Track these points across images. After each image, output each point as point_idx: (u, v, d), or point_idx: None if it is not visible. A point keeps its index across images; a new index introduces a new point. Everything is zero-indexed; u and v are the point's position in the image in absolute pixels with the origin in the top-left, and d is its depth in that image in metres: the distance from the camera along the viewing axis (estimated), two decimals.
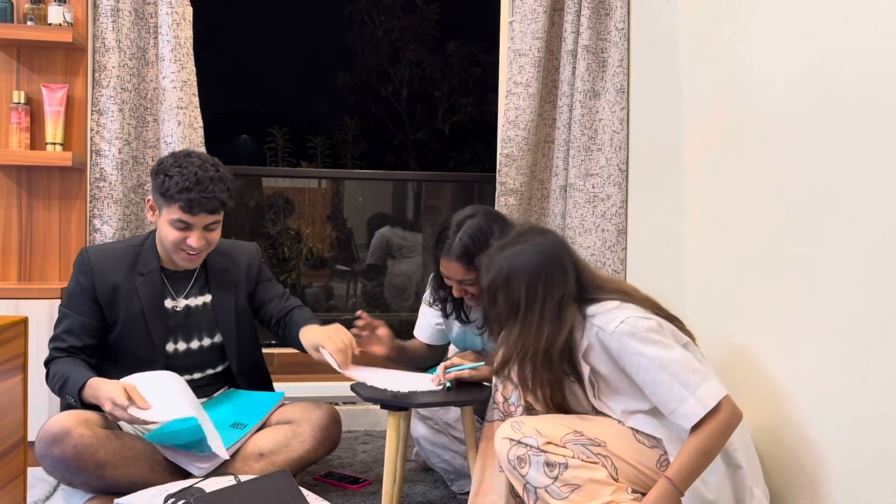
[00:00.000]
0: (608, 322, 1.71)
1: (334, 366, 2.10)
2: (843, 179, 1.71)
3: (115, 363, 2.17)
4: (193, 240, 2.11)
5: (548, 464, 1.65)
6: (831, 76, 1.76)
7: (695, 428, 1.63)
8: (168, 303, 2.22)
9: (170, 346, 2.22)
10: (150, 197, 2.18)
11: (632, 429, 1.75)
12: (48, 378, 2.12)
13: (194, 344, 2.26)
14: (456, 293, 2.16)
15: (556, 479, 1.64)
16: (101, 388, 1.98)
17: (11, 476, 1.52)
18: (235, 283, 2.32)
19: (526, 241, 1.79)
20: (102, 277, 2.15)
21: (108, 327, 2.17)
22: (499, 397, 1.90)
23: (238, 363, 2.31)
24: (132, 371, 2.13)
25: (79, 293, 2.16)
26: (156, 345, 2.18)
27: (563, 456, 1.66)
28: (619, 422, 1.78)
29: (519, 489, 1.69)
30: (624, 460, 1.71)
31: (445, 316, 2.31)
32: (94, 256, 2.17)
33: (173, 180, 2.08)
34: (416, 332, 2.43)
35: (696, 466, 1.62)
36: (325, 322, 2.29)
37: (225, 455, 2.05)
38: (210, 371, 2.31)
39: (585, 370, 1.78)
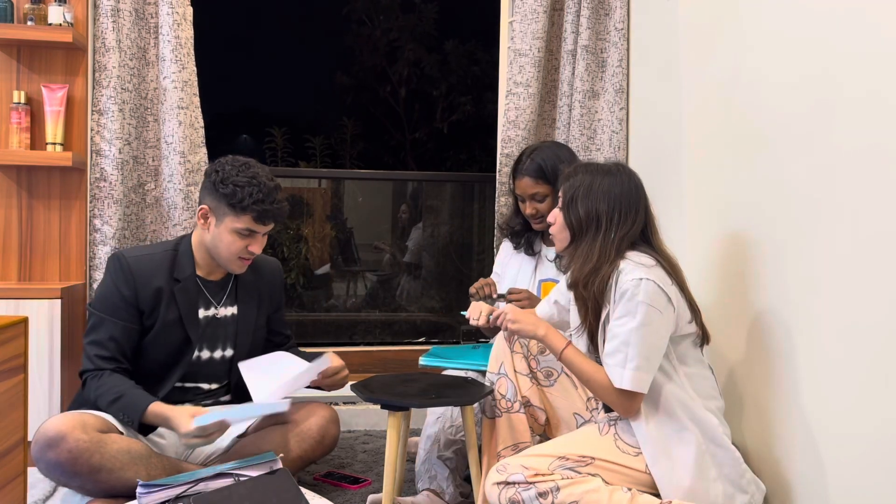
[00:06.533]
0: (631, 271, 1.74)
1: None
2: (843, 179, 1.71)
3: (135, 369, 2.12)
4: (256, 247, 2.13)
5: (540, 494, 1.66)
6: (831, 76, 1.77)
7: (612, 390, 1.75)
8: (201, 311, 2.19)
9: (194, 354, 2.18)
10: (205, 206, 2.12)
11: (613, 436, 1.78)
12: (92, 387, 2.04)
13: (217, 353, 2.23)
14: (528, 210, 2.34)
15: None
16: (172, 419, 1.97)
17: (11, 476, 1.52)
18: (260, 298, 2.29)
19: (616, 173, 1.85)
20: (145, 283, 2.10)
21: (145, 332, 2.13)
22: (496, 394, 1.93)
23: (239, 378, 2.25)
24: (151, 375, 2.10)
25: (119, 300, 2.09)
26: (186, 351, 2.15)
27: (552, 480, 1.67)
28: (599, 428, 1.82)
29: None
30: (614, 470, 1.73)
31: (516, 247, 2.48)
32: (133, 263, 2.11)
33: (245, 191, 2.06)
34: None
35: (583, 374, 1.79)
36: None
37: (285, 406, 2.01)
38: (215, 385, 2.26)
39: (605, 308, 1.79)
